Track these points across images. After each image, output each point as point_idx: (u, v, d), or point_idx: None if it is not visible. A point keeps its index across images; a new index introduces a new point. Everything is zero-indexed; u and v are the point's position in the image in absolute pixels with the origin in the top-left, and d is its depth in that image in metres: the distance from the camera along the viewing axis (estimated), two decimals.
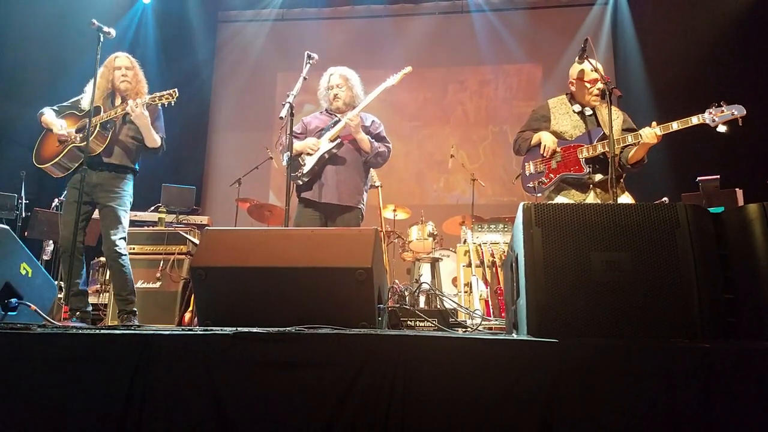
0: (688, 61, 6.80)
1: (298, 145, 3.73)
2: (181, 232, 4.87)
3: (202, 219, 5.98)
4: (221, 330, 1.75)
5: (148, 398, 1.63)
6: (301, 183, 3.72)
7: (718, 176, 5.37)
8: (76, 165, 3.58)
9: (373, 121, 3.94)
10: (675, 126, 3.13)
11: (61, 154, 3.61)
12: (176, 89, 3.57)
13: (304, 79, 3.57)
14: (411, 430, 1.54)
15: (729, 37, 6.65)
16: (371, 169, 4.00)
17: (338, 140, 3.71)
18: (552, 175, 3.44)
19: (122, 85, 3.70)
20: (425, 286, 4.10)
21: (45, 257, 5.73)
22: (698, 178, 5.39)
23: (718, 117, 3.04)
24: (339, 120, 3.77)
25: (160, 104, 3.62)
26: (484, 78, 8.26)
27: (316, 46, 4.05)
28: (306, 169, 3.68)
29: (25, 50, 6.70)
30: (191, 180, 7.27)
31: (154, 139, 3.71)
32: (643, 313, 1.64)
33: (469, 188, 6.54)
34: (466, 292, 4.77)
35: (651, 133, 3.17)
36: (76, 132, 3.62)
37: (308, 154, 3.71)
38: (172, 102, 3.55)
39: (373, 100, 3.79)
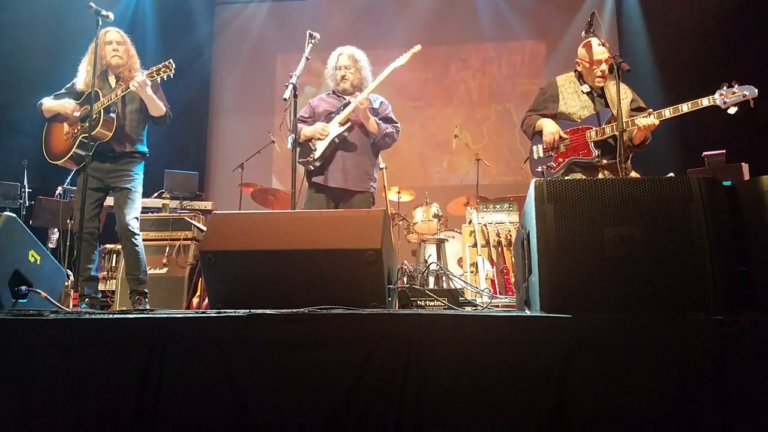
0: (694, 38, 6.70)
1: (307, 130, 3.71)
2: (186, 218, 4.87)
3: (206, 204, 5.98)
4: (234, 312, 1.75)
5: (164, 381, 1.63)
6: (311, 168, 3.70)
7: (724, 151, 5.33)
8: (90, 153, 3.57)
9: (381, 102, 3.91)
10: (685, 108, 3.09)
11: (73, 147, 3.60)
12: (171, 60, 3.50)
13: (307, 59, 3.54)
14: (426, 408, 1.54)
15: (736, 12, 6.54)
16: (380, 150, 3.97)
17: (349, 124, 3.68)
18: (561, 160, 3.41)
19: (113, 60, 3.67)
20: (434, 267, 4.10)
21: (50, 245, 5.74)
22: (704, 153, 5.36)
23: (729, 98, 3.00)
24: (348, 102, 3.73)
25: (158, 78, 3.57)
26: (487, 56, 8.16)
27: (315, 26, 4.00)
28: (317, 154, 3.65)
29: (23, 36, 6.62)
30: (193, 165, 7.26)
31: (159, 107, 3.68)
32: (656, 287, 1.64)
33: (473, 168, 6.51)
34: (472, 272, 4.78)
35: (645, 123, 3.15)
36: (81, 121, 3.61)
37: (318, 139, 3.68)
38: (171, 74, 3.49)
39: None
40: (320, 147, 3.65)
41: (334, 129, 3.68)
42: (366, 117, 3.67)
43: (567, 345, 1.54)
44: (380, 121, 3.78)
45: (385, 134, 3.78)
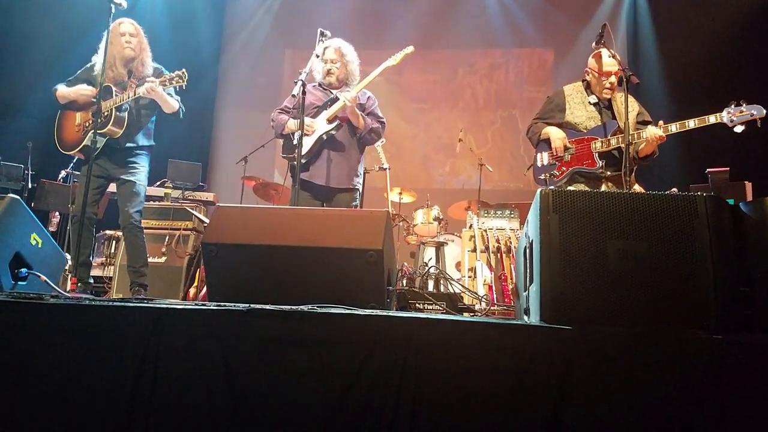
0: (705, 53, 6.67)
1: (292, 123, 3.65)
2: (187, 208, 4.87)
3: (207, 195, 5.98)
4: (234, 306, 1.74)
5: (160, 371, 1.63)
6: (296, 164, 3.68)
7: (728, 168, 5.33)
8: (101, 146, 3.60)
9: (369, 97, 3.89)
10: (691, 124, 3.09)
11: (84, 141, 3.64)
12: (185, 70, 3.55)
13: (317, 56, 3.53)
14: (421, 412, 1.54)
15: (749, 31, 6.54)
16: (372, 147, 3.95)
17: (337, 122, 3.66)
18: (564, 168, 3.42)
19: (126, 51, 3.69)
20: (434, 270, 4.10)
21: (51, 228, 5.74)
22: (707, 170, 5.35)
23: (736, 117, 2.99)
24: (336, 98, 3.69)
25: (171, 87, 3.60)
26: (495, 61, 8.16)
27: (323, 23, 3.98)
28: (303, 150, 3.62)
29: (32, 20, 6.61)
30: (197, 156, 7.25)
31: (171, 105, 3.72)
32: (658, 303, 1.63)
33: (475, 173, 6.49)
34: (470, 277, 4.77)
35: (653, 135, 3.14)
36: (93, 116, 3.62)
37: (305, 134, 3.65)
38: (183, 85, 3.53)
39: (377, 79, 3.74)
40: (307, 143, 3.60)
41: (321, 126, 3.65)
42: (354, 114, 3.65)
43: (566, 356, 1.54)
44: (366, 117, 3.76)
45: (371, 129, 3.76)
